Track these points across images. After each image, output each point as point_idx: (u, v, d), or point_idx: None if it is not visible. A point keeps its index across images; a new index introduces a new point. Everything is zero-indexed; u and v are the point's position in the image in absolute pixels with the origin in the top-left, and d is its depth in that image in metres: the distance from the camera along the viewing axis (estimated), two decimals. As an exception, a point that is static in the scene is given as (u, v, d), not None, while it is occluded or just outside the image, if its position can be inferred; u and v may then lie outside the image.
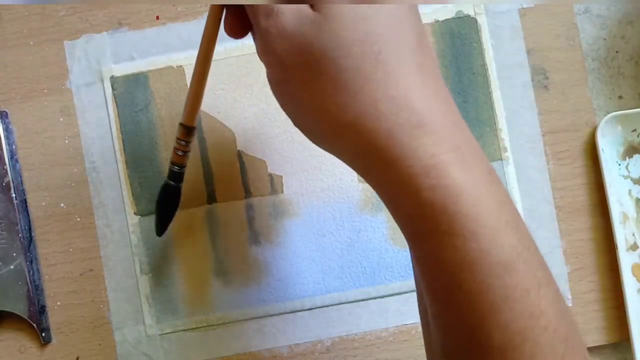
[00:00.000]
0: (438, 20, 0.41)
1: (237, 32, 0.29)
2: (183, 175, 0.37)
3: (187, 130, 0.35)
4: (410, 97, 0.24)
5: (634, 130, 0.41)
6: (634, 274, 0.40)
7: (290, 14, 0.25)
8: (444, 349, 0.26)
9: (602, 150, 0.40)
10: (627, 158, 0.41)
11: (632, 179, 0.41)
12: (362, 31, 0.24)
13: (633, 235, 0.40)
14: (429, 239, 0.24)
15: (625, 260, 0.40)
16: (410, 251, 0.27)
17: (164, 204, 0.38)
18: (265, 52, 0.26)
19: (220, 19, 0.30)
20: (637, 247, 0.40)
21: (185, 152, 0.36)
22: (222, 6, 0.30)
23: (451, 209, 0.23)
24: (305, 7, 0.25)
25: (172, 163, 0.36)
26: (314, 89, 0.25)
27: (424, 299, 0.27)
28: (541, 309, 0.23)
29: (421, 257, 0.25)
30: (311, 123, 0.26)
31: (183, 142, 0.35)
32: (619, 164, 0.41)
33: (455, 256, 0.24)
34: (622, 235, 0.40)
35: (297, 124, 0.27)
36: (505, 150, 0.41)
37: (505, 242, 0.24)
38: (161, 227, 0.39)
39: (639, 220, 0.41)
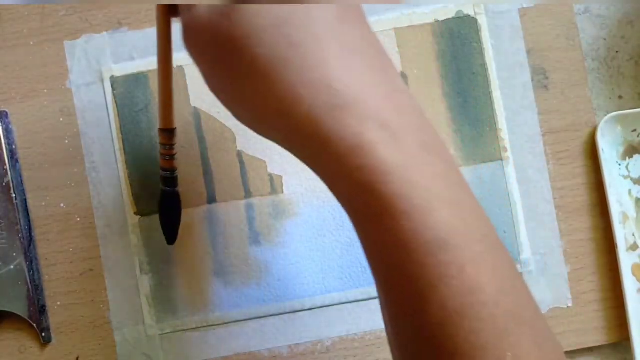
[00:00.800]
0: (438, 20, 0.41)
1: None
2: (176, 179, 0.38)
3: (168, 133, 0.35)
4: (330, 78, 0.23)
5: (634, 130, 0.41)
6: (634, 274, 0.40)
7: (204, 6, 0.25)
8: (392, 332, 0.26)
9: (602, 150, 0.40)
10: (627, 158, 0.41)
11: (632, 179, 0.41)
12: (272, 16, 0.24)
13: (633, 235, 0.40)
14: (364, 220, 0.24)
15: (625, 260, 0.40)
16: None
17: (165, 212, 0.39)
18: (187, 47, 0.26)
19: (169, 16, 0.30)
20: (637, 247, 0.40)
21: (172, 156, 0.36)
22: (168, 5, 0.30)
23: (380, 189, 0.23)
24: None
25: (163, 169, 0.37)
26: (234, 81, 0.25)
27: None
28: (480, 284, 0.23)
29: (361, 238, 0.25)
30: (242, 114, 0.26)
31: (167, 147, 0.36)
32: (619, 164, 0.41)
33: (390, 236, 0.23)
34: (622, 235, 0.40)
35: (233, 115, 0.27)
36: (505, 150, 0.41)
37: (438, 219, 0.23)
38: (170, 236, 0.39)
39: (639, 220, 0.41)
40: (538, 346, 0.24)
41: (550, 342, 0.24)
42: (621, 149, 0.41)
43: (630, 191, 0.41)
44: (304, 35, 0.24)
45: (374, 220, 0.24)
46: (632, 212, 0.41)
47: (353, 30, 0.25)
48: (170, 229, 0.39)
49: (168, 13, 0.30)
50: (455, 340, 0.23)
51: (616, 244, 0.40)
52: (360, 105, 0.23)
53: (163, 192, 0.38)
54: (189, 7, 0.25)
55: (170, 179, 0.37)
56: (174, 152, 0.36)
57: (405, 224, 0.23)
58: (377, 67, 0.25)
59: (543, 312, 0.41)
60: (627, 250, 0.40)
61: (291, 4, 0.24)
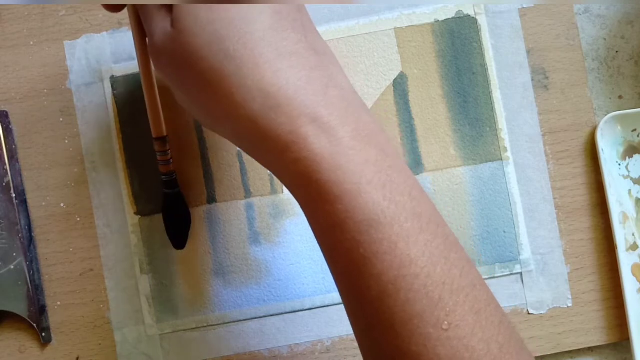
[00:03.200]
0: (438, 20, 0.41)
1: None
2: (176, 180, 0.39)
3: (161, 141, 0.37)
4: (264, 82, 0.26)
5: (634, 130, 0.41)
6: (634, 274, 0.40)
7: (159, 33, 0.28)
8: (348, 314, 0.28)
9: (602, 150, 0.40)
10: (627, 158, 0.41)
11: (632, 179, 0.41)
12: (208, 34, 0.27)
13: (633, 235, 0.40)
14: (308, 207, 0.27)
15: (625, 260, 0.40)
16: None
17: (171, 214, 0.39)
18: (155, 68, 0.31)
19: (144, 37, 0.33)
20: (637, 247, 0.40)
21: (168, 161, 0.38)
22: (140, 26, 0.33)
23: (314, 177, 0.26)
24: (167, 25, 0.28)
25: (161, 174, 0.39)
26: (189, 93, 0.28)
27: None
28: (411, 258, 0.25)
29: (310, 224, 0.28)
30: (202, 120, 0.31)
31: (162, 153, 0.38)
32: (619, 164, 0.41)
33: (327, 219, 0.26)
34: (622, 235, 0.40)
35: (198, 121, 0.31)
36: (505, 150, 0.41)
37: (368, 200, 0.25)
38: (179, 240, 0.40)
39: (639, 220, 0.41)
40: (475, 313, 0.26)
41: (489, 309, 0.26)
42: (621, 149, 0.41)
43: (630, 191, 0.41)
44: (238, 47, 0.26)
45: (314, 206, 0.27)
46: (632, 212, 0.41)
47: (288, 36, 0.27)
48: (179, 232, 0.39)
49: (143, 35, 0.33)
50: (393, 310, 0.25)
51: (616, 244, 0.40)
52: (293, 103, 0.26)
53: (165, 195, 0.39)
54: (150, 34, 0.29)
55: (170, 181, 0.39)
56: (169, 157, 0.38)
57: (339, 207, 0.26)
58: (313, 66, 0.27)
59: (543, 312, 0.41)
60: (627, 250, 0.40)
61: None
